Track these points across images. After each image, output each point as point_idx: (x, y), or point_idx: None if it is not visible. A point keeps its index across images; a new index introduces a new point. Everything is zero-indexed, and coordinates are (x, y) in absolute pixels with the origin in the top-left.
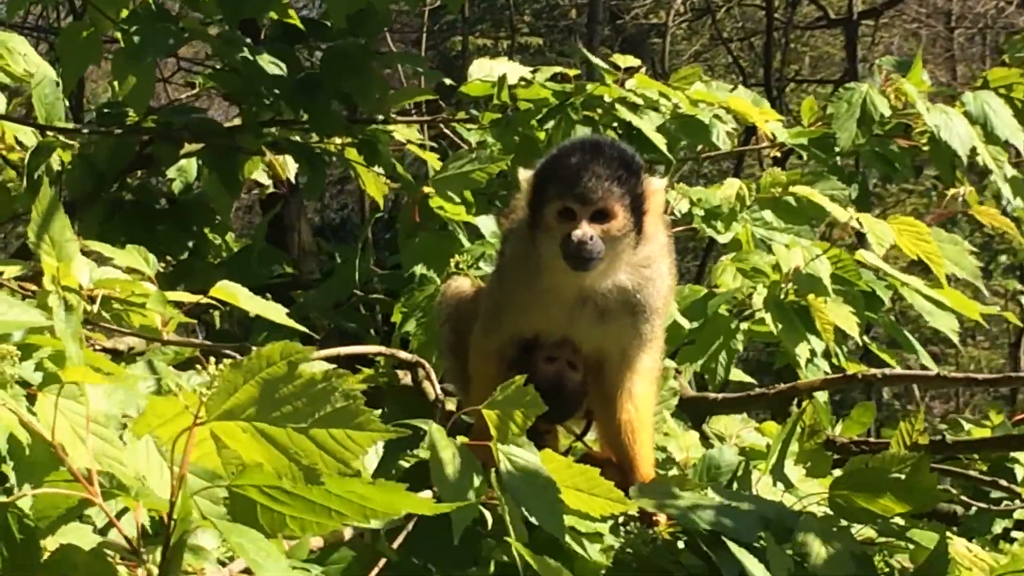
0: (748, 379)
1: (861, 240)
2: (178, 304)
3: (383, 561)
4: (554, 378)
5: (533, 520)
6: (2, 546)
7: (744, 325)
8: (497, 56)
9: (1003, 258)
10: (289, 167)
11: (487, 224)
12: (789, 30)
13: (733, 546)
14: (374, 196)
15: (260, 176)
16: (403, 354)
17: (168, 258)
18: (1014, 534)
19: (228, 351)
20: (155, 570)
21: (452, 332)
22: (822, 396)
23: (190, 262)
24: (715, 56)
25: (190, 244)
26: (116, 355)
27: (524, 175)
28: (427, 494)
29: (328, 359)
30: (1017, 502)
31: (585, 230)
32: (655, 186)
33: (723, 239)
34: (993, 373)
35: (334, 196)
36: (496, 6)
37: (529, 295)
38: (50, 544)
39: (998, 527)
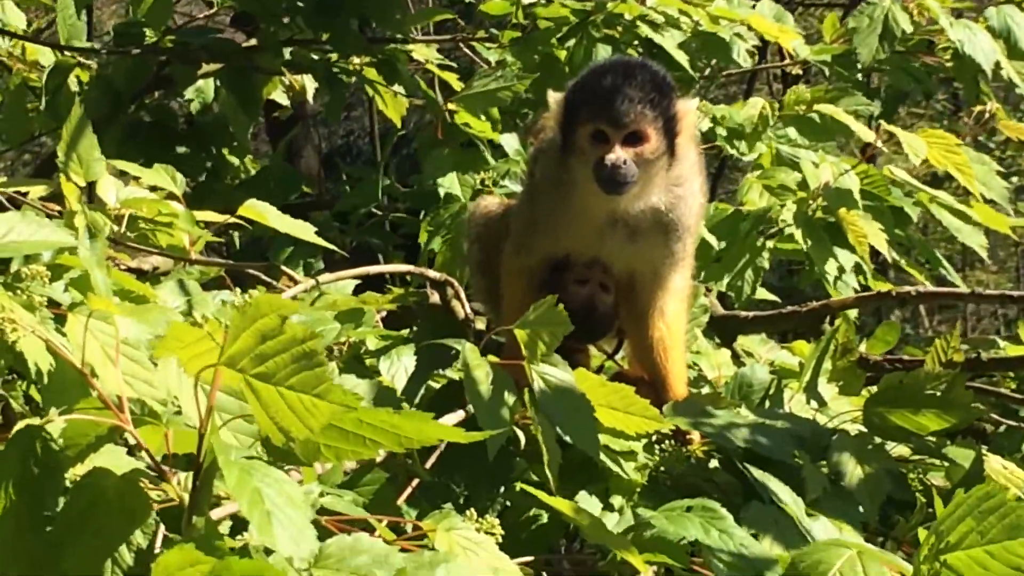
0: (773, 297)
1: (874, 159)
2: (205, 225)
3: (416, 481)
4: (586, 300)
5: (567, 439)
6: (32, 469)
7: (770, 243)
8: None
9: (1015, 179)
10: (307, 86)
11: (511, 142)
12: None
13: (756, 471)
14: (392, 116)
15: (279, 97)
16: (432, 273)
17: (188, 180)
18: None
19: (254, 271)
20: (186, 497)
21: (481, 251)
22: (852, 314)
23: (209, 184)
24: None
25: (208, 166)
26: (140, 275)
27: (554, 97)
28: (459, 415)
29: (356, 278)
30: None
31: (618, 154)
32: (688, 106)
33: (747, 157)
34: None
35: (340, 123)
36: None
37: (560, 216)
38: (80, 472)
39: None
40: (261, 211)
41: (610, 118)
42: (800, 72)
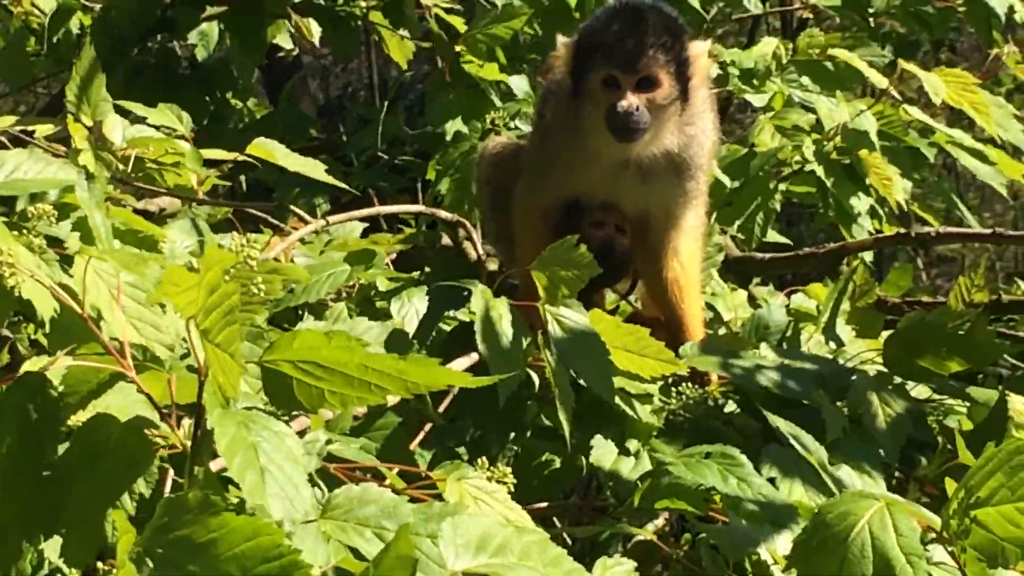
0: (785, 240)
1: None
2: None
3: (429, 426)
4: (603, 242)
5: (581, 382)
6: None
7: (783, 185)
8: None
9: None
10: (313, 29)
11: (520, 84)
12: None
13: (774, 417)
14: (398, 59)
15: (283, 40)
16: (443, 213)
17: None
18: None
19: (262, 211)
20: (189, 446)
21: (493, 192)
22: (867, 257)
23: (214, 128)
24: None
25: (212, 110)
26: (147, 216)
27: (563, 41)
28: (472, 357)
29: (366, 219)
30: None
31: (631, 100)
32: (700, 49)
33: (759, 100)
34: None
35: (337, 75)
36: None
37: (572, 158)
38: (83, 418)
39: None
40: (270, 149)
41: (622, 63)
42: (808, 16)
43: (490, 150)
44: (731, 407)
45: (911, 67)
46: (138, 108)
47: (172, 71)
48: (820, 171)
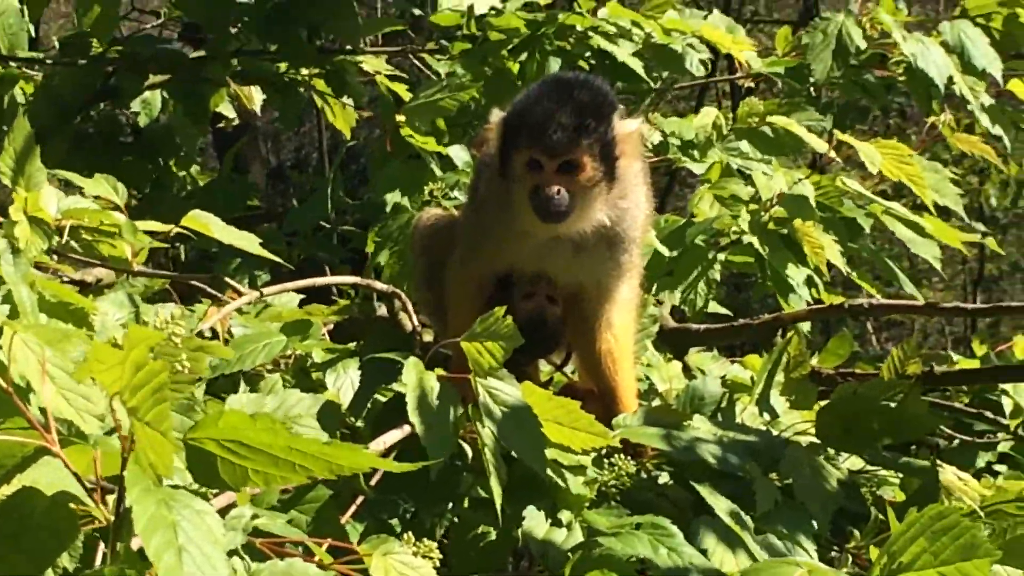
0: (725, 311)
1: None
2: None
3: (361, 498)
4: (534, 314)
5: (514, 454)
6: None
7: (721, 255)
8: None
9: (965, 199)
10: (255, 99)
11: (459, 154)
12: None
13: (702, 488)
14: (341, 128)
15: (226, 109)
16: (379, 285)
17: (133, 191)
18: (997, 467)
19: (198, 283)
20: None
21: (427, 263)
22: (804, 328)
23: (156, 195)
24: None
25: (155, 177)
26: (84, 287)
27: (496, 116)
28: (406, 429)
29: (301, 290)
30: (1001, 435)
31: (553, 184)
32: (628, 128)
33: (699, 169)
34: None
35: (289, 138)
36: None
37: (503, 232)
38: (7, 492)
39: (981, 461)
40: (205, 222)
41: (544, 147)
42: (751, 86)
43: (424, 222)
44: (665, 478)
45: (846, 138)
46: (74, 178)
47: (115, 138)
48: (756, 241)
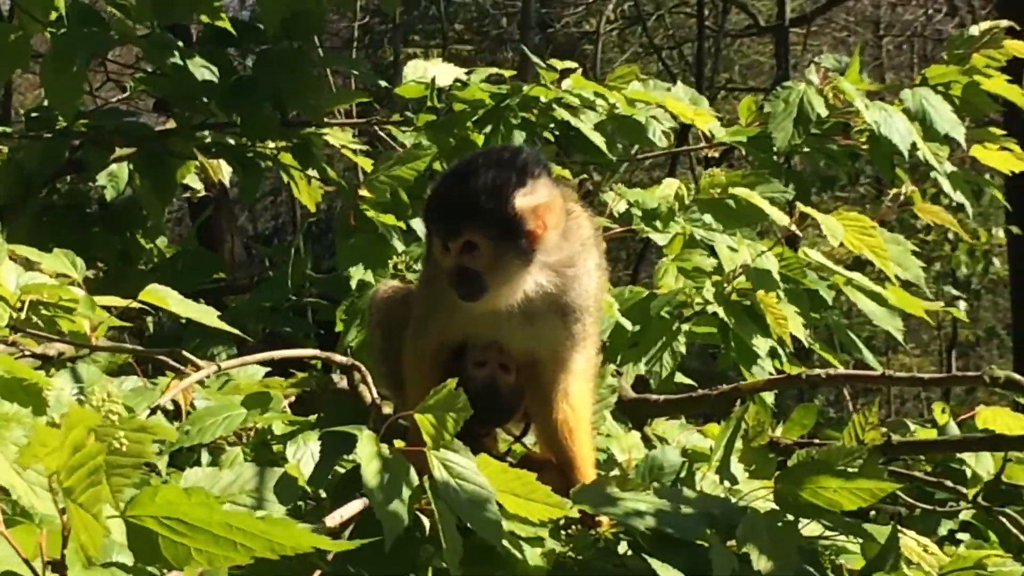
0: (691, 382)
1: (795, 244)
2: (111, 309)
3: (317, 572)
4: (486, 382)
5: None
6: None
7: (685, 326)
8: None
9: (937, 265)
10: (223, 171)
11: (421, 226)
12: (720, 38)
13: (655, 561)
14: (306, 202)
15: (193, 181)
16: (338, 357)
17: (100, 264)
18: (960, 535)
19: (160, 356)
20: None
21: (383, 337)
22: (768, 398)
23: (122, 268)
24: (648, 64)
25: (122, 250)
26: (46, 360)
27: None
28: (364, 501)
29: (263, 363)
30: (963, 503)
31: (459, 263)
32: (534, 200)
33: (662, 240)
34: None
35: (266, 208)
36: (428, 15)
37: (452, 304)
38: None
39: (943, 529)
40: (163, 295)
41: (444, 230)
42: (716, 155)
43: (381, 294)
44: (624, 548)
45: (808, 210)
46: (33, 253)
47: (81, 211)
48: (721, 312)
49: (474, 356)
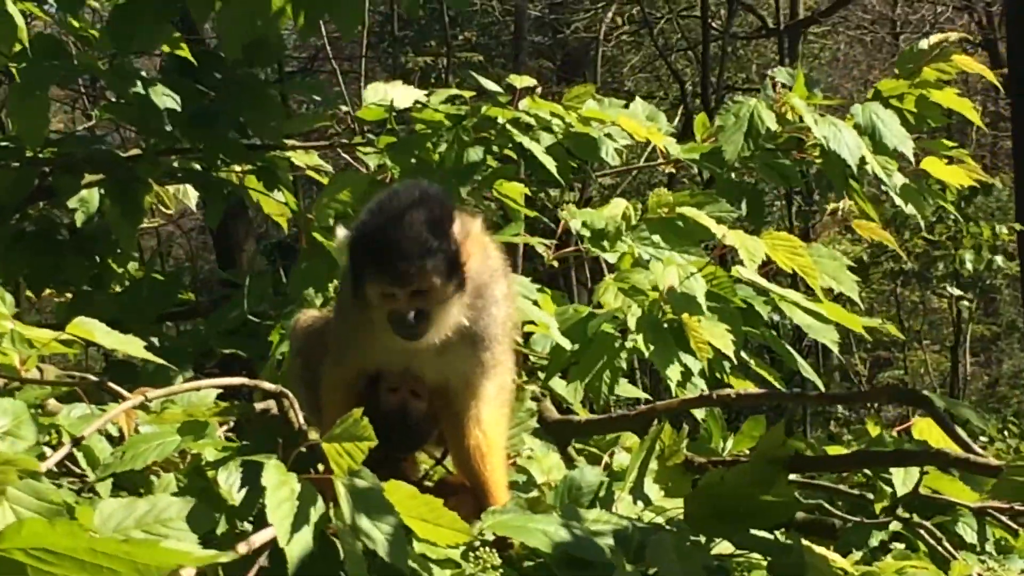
0: (640, 393)
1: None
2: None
3: None
4: (398, 408)
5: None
6: None
7: (629, 343)
8: (433, 74)
9: (941, 266)
10: (190, 196)
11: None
12: (727, 40)
13: None
14: (278, 220)
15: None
16: (266, 384)
17: (73, 289)
18: (895, 545)
19: (96, 386)
20: None
21: (304, 364)
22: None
23: (89, 293)
24: (660, 66)
25: (94, 274)
26: None
27: (340, 235)
28: None
29: (194, 390)
30: (899, 512)
31: (408, 309)
32: (465, 230)
33: (612, 258)
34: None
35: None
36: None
37: (364, 337)
38: None
39: (875, 540)
40: (88, 328)
41: (395, 280)
42: (673, 171)
43: (301, 324)
44: (533, 569)
45: (732, 232)
46: None
47: (52, 237)
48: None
49: (387, 383)
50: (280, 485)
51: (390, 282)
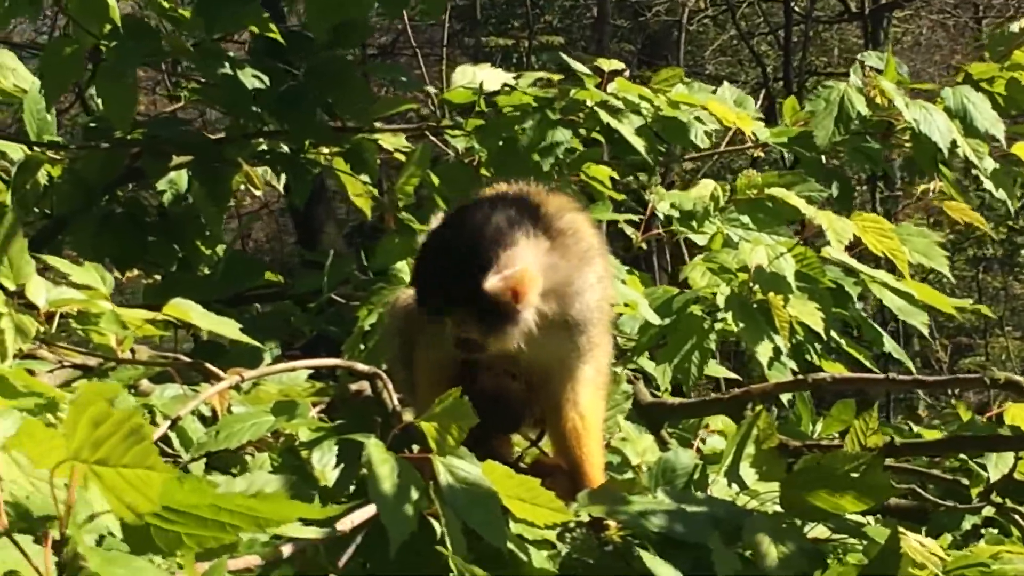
0: (730, 374)
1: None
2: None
3: None
4: (494, 389)
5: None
6: None
7: (719, 324)
8: (514, 56)
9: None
10: (272, 180)
11: None
12: (809, 24)
13: (647, 557)
14: (361, 205)
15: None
16: (360, 366)
17: (162, 271)
18: (987, 530)
19: (190, 366)
20: None
21: (403, 344)
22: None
23: (177, 275)
24: (741, 49)
25: (182, 256)
26: (88, 371)
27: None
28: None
29: (288, 371)
30: (992, 497)
31: (457, 334)
32: (507, 278)
33: (702, 240)
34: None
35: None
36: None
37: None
38: None
39: (968, 524)
40: (184, 309)
41: (433, 312)
42: (761, 154)
43: (400, 303)
44: (633, 550)
45: (821, 213)
46: (63, 265)
47: (141, 219)
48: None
49: (483, 364)
50: (382, 463)
51: (431, 313)
